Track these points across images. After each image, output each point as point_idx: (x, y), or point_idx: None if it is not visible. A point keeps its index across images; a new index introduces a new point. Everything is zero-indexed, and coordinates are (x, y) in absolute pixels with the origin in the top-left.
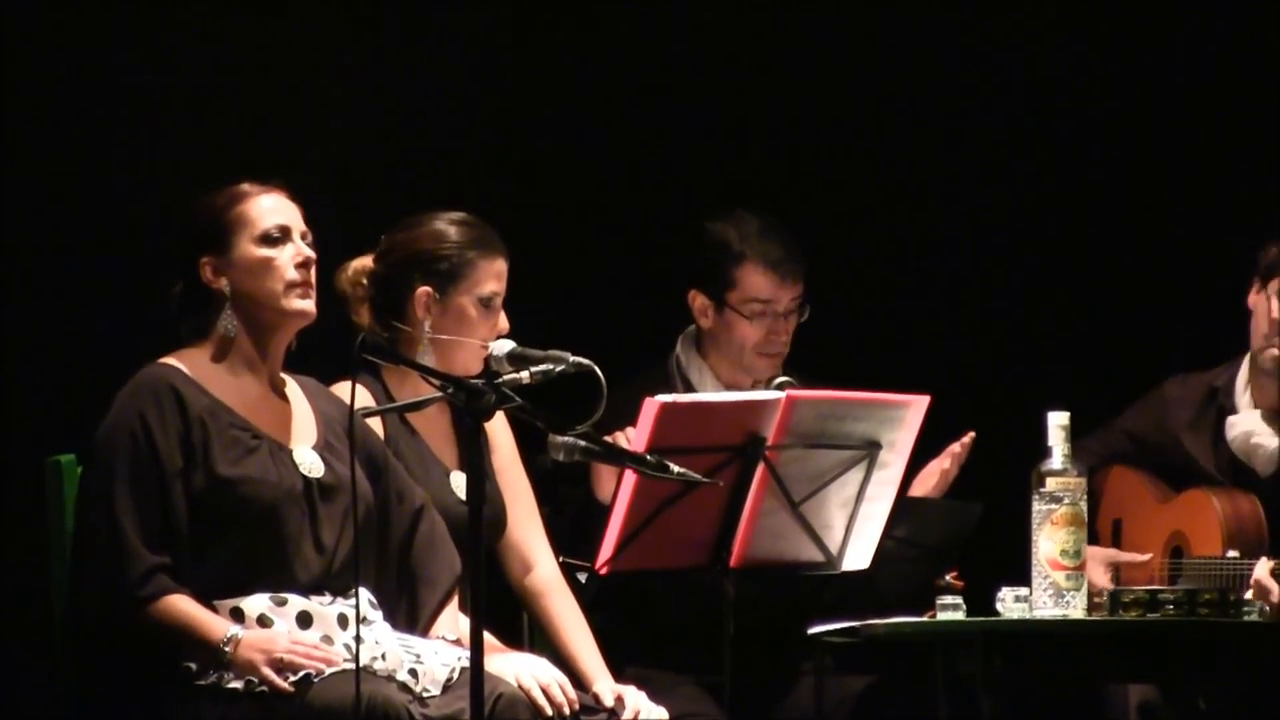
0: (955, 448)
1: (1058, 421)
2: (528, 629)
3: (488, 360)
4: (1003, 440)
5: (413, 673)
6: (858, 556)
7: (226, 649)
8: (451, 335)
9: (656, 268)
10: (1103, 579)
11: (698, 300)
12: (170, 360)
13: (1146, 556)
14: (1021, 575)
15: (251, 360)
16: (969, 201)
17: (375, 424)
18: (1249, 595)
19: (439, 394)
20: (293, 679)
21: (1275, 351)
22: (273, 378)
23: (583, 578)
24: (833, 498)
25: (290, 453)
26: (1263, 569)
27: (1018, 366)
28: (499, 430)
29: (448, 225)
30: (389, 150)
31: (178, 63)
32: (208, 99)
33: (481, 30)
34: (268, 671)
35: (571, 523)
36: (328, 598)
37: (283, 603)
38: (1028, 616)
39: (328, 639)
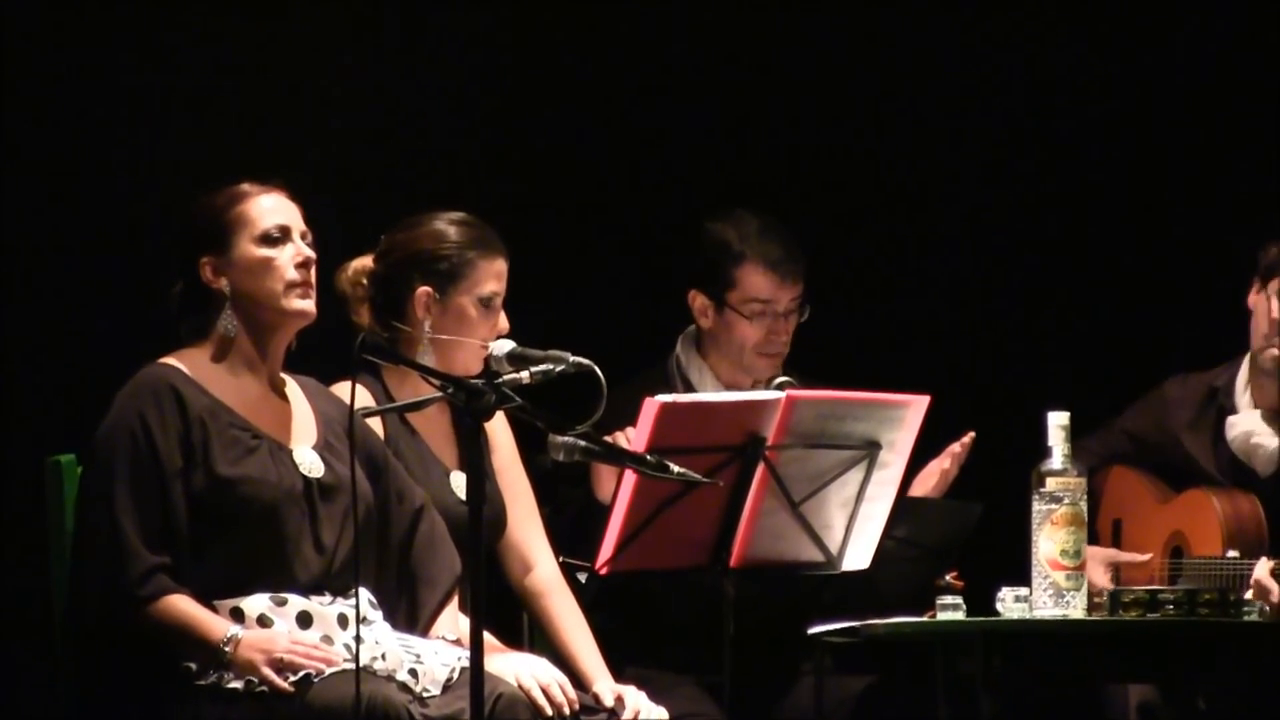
0: (955, 448)
1: (1058, 421)
2: (528, 629)
3: (488, 360)
4: (1003, 440)
5: (413, 673)
6: (858, 556)
7: (226, 649)
8: (451, 335)
9: (656, 268)
10: (1103, 579)
11: (698, 300)
12: (170, 360)
13: (1146, 556)
14: (1021, 575)
15: (251, 360)
16: (969, 201)
17: (375, 424)
18: (1249, 595)
19: (439, 394)
20: (293, 679)
21: (1275, 351)
22: (273, 378)
23: (583, 578)
24: (833, 498)
25: (290, 453)
26: (1263, 569)
27: (1018, 366)
28: (499, 430)
29: (448, 225)
30: (389, 150)
31: (178, 63)
32: (208, 99)
33: (481, 30)
34: (268, 671)
35: (571, 523)
36: (328, 598)
37: (283, 603)
38: (1028, 616)
39: (328, 639)
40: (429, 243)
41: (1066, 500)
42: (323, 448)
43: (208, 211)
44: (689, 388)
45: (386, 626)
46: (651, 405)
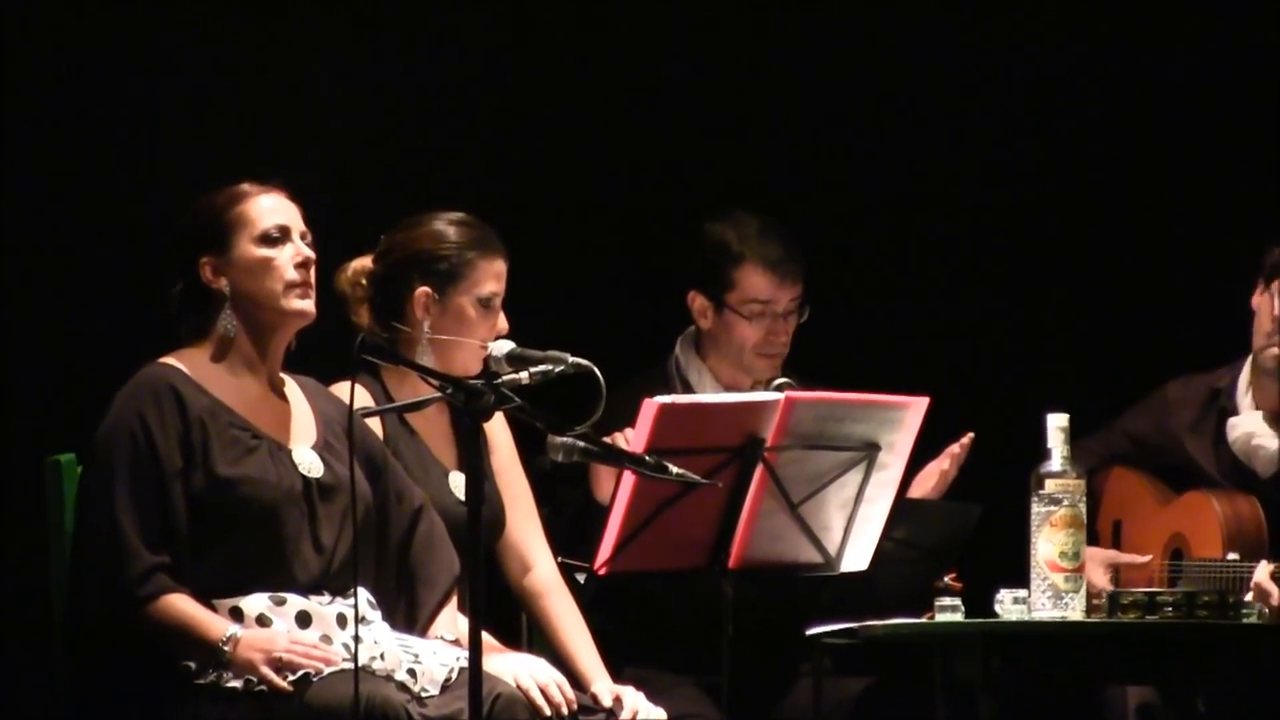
0: (954, 449)
1: (1057, 423)
2: (526, 629)
3: (487, 360)
4: (1002, 441)
5: (411, 673)
6: (856, 558)
7: (226, 648)
8: (451, 335)
9: (656, 268)
10: (1102, 580)
11: (697, 301)
12: (170, 360)
13: (1146, 558)
14: (1020, 577)
15: (251, 360)
16: (969, 201)
17: (374, 424)
18: (1249, 598)
19: (438, 394)
20: (292, 678)
21: (1276, 351)
22: (272, 378)
23: (581, 578)
24: (832, 499)
25: (289, 453)
26: (1263, 572)
27: (1018, 366)
28: (498, 431)
29: (447, 225)
30: (389, 150)
31: (178, 63)
32: (208, 99)
33: (481, 30)
34: (267, 671)
35: (570, 523)
36: (327, 597)
37: (282, 602)
38: (1026, 618)
39: (326, 638)
40: (428, 243)
41: (1065, 502)
42: (322, 448)
43: (208, 211)
44: (688, 389)
45: (385, 626)
46: (650, 406)
